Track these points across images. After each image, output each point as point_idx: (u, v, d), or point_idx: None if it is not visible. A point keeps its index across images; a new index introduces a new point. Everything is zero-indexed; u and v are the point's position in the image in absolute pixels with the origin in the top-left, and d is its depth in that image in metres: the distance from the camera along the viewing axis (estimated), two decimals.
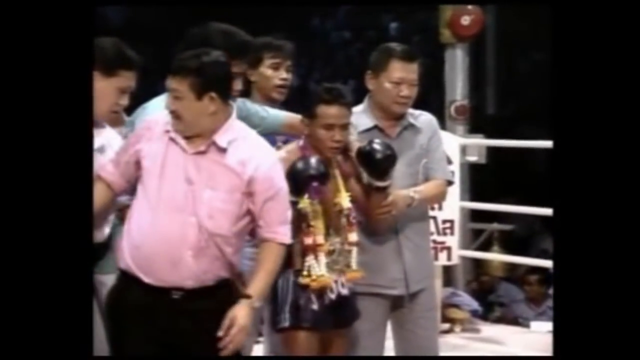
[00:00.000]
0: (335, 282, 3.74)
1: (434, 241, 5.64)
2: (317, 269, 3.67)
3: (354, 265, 3.77)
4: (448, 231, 5.85)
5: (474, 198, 7.18)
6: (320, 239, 3.68)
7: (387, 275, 3.95)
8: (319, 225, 3.68)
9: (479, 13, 7.31)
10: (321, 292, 3.70)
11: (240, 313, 3.33)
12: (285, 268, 3.62)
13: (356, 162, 3.80)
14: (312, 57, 13.54)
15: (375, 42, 4.18)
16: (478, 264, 8.04)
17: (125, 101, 3.59)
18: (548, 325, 6.77)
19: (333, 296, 3.73)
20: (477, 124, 7.83)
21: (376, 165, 3.77)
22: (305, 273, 3.67)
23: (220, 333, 3.31)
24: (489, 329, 6.41)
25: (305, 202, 3.64)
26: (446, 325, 6.20)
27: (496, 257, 7.89)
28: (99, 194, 3.38)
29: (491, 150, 7.13)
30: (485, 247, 8.28)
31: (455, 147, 5.95)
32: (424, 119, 4.07)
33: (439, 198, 4.23)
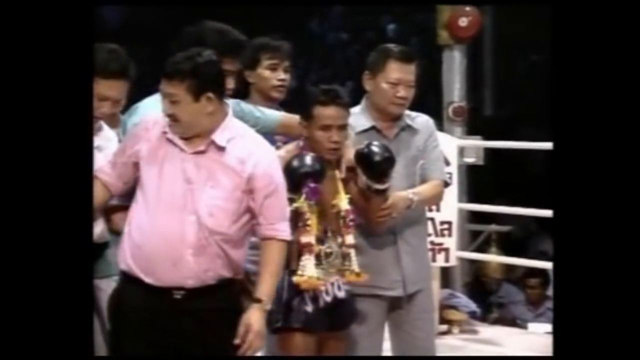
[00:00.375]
0: (332, 284, 3.73)
1: (432, 242, 5.65)
2: (310, 269, 3.66)
3: (355, 267, 3.76)
4: (446, 232, 5.86)
5: (471, 199, 7.18)
6: (312, 239, 3.68)
7: (385, 277, 3.95)
8: (314, 225, 3.68)
9: (477, 14, 7.30)
10: (315, 293, 3.69)
11: (253, 318, 3.35)
12: None
13: (348, 162, 3.78)
14: (310, 59, 13.54)
15: (373, 43, 4.18)
16: (476, 265, 8.04)
17: (105, 109, 3.50)
18: (546, 327, 6.79)
19: (328, 298, 3.72)
20: (475, 126, 7.83)
21: (375, 167, 3.76)
22: (299, 272, 3.66)
23: (236, 341, 3.33)
24: (487, 330, 6.41)
25: (301, 202, 3.63)
26: (444, 327, 6.20)
27: (494, 258, 7.89)
28: (95, 195, 3.37)
29: (489, 152, 7.14)
30: (483, 248, 8.28)
31: (453, 148, 5.96)
32: (421, 120, 4.07)
33: (436, 199, 4.23)
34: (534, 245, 9.32)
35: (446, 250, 5.87)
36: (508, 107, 12.23)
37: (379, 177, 3.76)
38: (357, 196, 3.81)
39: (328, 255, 3.72)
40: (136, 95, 3.73)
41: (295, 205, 3.60)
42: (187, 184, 3.34)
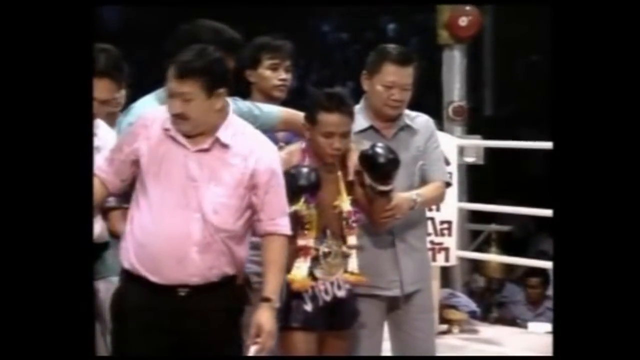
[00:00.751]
0: (332, 283, 3.73)
1: (432, 242, 5.65)
2: (303, 271, 3.67)
3: (355, 269, 3.76)
4: (446, 232, 5.85)
5: (471, 199, 7.18)
6: (310, 242, 3.68)
7: (382, 277, 3.94)
8: (312, 228, 3.68)
9: (477, 14, 7.31)
10: (314, 292, 3.69)
11: (264, 318, 3.35)
12: None
13: (349, 165, 3.78)
14: (310, 59, 13.55)
15: (373, 43, 4.17)
16: (476, 265, 8.04)
17: (94, 110, 3.43)
18: (546, 326, 6.79)
19: (328, 298, 3.72)
20: (475, 125, 7.83)
21: (379, 169, 3.74)
22: (293, 273, 3.66)
23: (248, 341, 3.35)
24: (487, 330, 6.41)
25: (300, 205, 3.63)
26: (444, 326, 6.20)
27: (494, 258, 7.89)
28: (93, 192, 3.36)
29: (489, 151, 7.13)
30: (483, 248, 8.29)
31: (453, 148, 5.96)
32: (420, 120, 4.06)
33: (438, 200, 4.23)
34: (534, 244, 9.32)
35: (446, 249, 5.87)
36: (508, 107, 12.23)
37: (383, 179, 3.75)
38: (362, 198, 3.80)
39: (327, 254, 3.72)
40: (136, 96, 3.73)
41: (294, 208, 3.59)
42: (190, 182, 3.34)
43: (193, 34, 3.60)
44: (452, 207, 5.80)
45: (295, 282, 3.66)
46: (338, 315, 3.78)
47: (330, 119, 3.69)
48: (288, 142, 3.91)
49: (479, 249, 8.26)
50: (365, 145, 3.78)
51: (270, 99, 4.10)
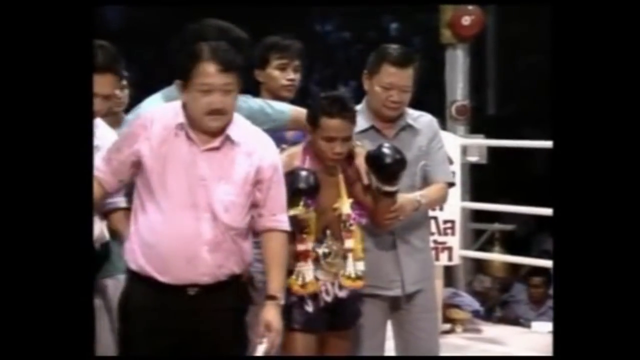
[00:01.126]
0: (332, 284, 3.73)
1: (435, 241, 5.65)
2: (308, 275, 3.67)
3: (351, 272, 3.75)
4: (449, 231, 5.86)
5: (474, 198, 7.18)
6: (309, 246, 3.68)
7: (384, 277, 3.94)
8: (312, 231, 3.68)
9: (480, 13, 7.32)
10: (315, 293, 3.69)
11: (271, 316, 3.37)
12: None
13: (359, 167, 3.78)
14: (312, 58, 13.55)
15: (376, 43, 4.16)
16: (479, 264, 8.05)
17: (97, 106, 3.44)
18: (549, 326, 6.78)
19: (329, 298, 3.72)
20: (478, 125, 7.84)
21: (385, 169, 3.72)
22: (294, 277, 3.66)
23: (257, 340, 3.36)
24: (490, 330, 6.42)
25: (300, 209, 3.63)
26: (447, 326, 6.21)
27: (497, 257, 7.90)
28: None
29: (492, 151, 7.14)
30: (486, 247, 8.30)
31: (456, 147, 5.96)
32: (423, 120, 4.05)
33: (441, 201, 4.21)
34: (537, 243, 9.33)
35: (449, 249, 5.87)
36: (511, 106, 12.23)
37: (389, 179, 3.73)
38: (362, 198, 3.79)
39: (327, 255, 3.72)
40: (141, 96, 3.73)
41: (292, 212, 3.57)
42: (199, 181, 3.33)
43: (199, 33, 3.60)
44: (455, 206, 5.80)
45: (303, 287, 3.66)
46: (339, 316, 3.78)
47: (332, 124, 3.68)
48: (296, 142, 3.89)
49: (482, 248, 8.27)
50: (370, 145, 3.78)
51: (278, 98, 4.09)
